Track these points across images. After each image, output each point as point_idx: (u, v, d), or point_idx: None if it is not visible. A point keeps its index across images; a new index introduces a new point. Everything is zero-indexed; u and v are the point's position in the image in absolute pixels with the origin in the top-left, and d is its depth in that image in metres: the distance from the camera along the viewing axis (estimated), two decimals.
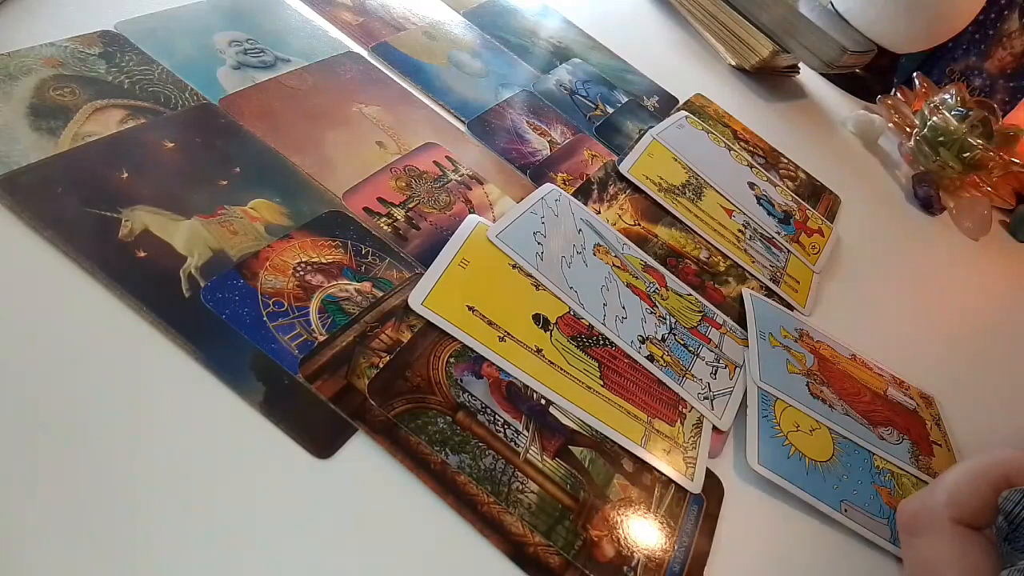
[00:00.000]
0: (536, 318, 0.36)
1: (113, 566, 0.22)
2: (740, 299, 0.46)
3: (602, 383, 0.35)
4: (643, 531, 0.31)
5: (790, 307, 0.49)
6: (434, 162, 0.42)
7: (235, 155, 0.35)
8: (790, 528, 0.36)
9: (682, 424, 0.36)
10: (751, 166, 0.60)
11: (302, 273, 0.32)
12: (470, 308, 0.34)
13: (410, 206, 0.38)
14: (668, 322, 0.41)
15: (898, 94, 0.83)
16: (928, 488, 0.35)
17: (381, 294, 0.33)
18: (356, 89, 0.43)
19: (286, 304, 0.30)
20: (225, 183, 0.34)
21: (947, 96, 0.76)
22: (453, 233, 0.38)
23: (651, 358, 0.38)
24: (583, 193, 0.46)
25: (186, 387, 0.27)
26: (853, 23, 0.79)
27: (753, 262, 0.50)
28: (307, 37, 0.45)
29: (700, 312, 0.43)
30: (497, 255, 0.38)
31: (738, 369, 0.41)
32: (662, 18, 0.77)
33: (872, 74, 0.92)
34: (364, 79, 0.45)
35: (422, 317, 0.33)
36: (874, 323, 0.54)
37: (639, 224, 0.47)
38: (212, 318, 0.28)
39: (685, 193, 0.52)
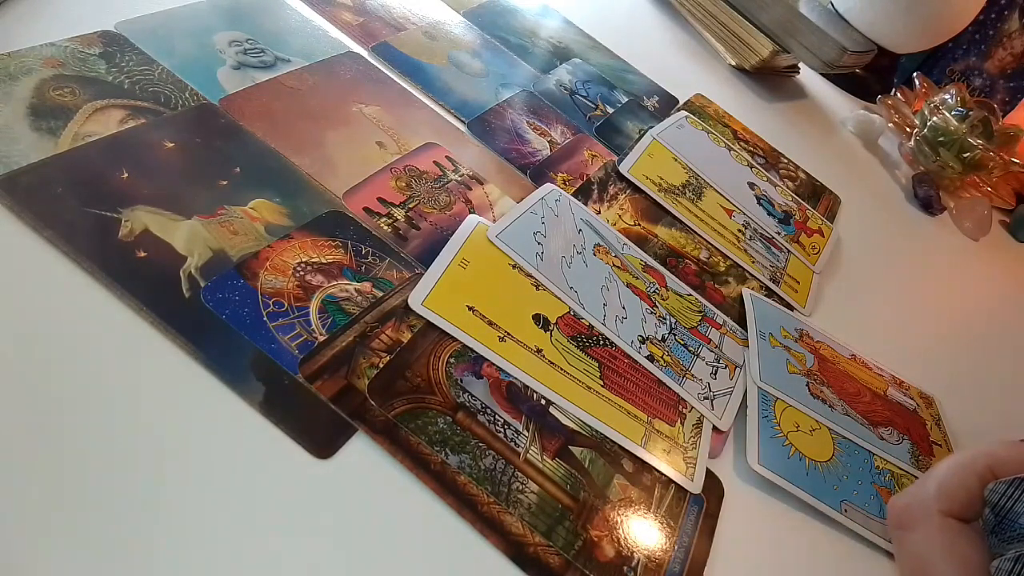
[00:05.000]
0: (536, 318, 0.36)
1: (112, 566, 0.22)
2: (740, 299, 0.46)
3: (602, 383, 0.35)
4: (643, 531, 0.31)
5: (790, 307, 0.49)
6: (434, 162, 0.42)
7: (235, 155, 0.35)
8: (790, 528, 0.36)
9: (682, 424, 0.36)
10: (751, 166, 0.60)
11: (302, 273, 0.32)
12: (470, 308, 0.34)
13: (410, 206, 0.38)
14: (668, 322, 0.41)
15: (898, 94, 0.83)
16: (918, 483, 0.35)
17: (381, 294, 0.33)
18: (356, 89, 0.43)
19: (286, 304, 0.30)
20: (225, 183, 0.34)
21: (947, 96, 0.76)
22: (453, 233, 0.38)
23: (651, 358, 0.38)
24: (583, 193, 0.46)
25: (186, 387, 0.27)
26: (853, 23, 0.79)
27: (753, 262, 0.50)
28: (307, 37, 0.45)
29: (700, 312, 0.43)
30: (497, 255, 0.38)
31: (738, 369, 0.41)
32: (662, 18, 0.77)
33: (872, 74, 0.92)
34: (364, 79, 0.45)
35: (422, 317, 0.33)
36: (874, 323, 0.54)
37: (639, 224, 0.47)
38: (212, 318, 0.28)
39: (685, 193, 0.52)
